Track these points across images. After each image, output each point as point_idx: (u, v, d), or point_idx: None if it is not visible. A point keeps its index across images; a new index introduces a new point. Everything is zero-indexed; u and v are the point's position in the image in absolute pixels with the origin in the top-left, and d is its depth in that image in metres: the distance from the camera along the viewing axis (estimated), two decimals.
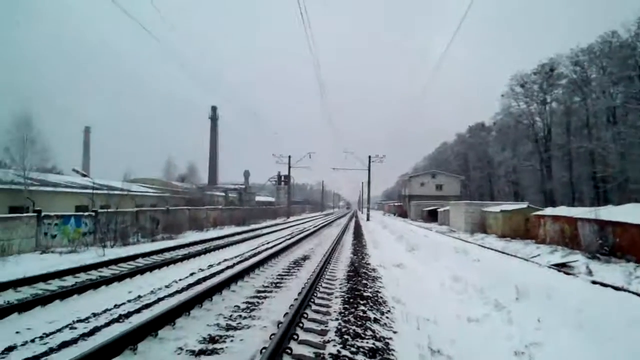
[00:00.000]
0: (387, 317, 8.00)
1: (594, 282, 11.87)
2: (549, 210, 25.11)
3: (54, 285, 9.98)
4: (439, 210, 49.38)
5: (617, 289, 10.80)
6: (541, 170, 53.43)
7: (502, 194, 68.06)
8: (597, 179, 44.20)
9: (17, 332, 6.44)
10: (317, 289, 9.80)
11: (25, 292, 9.14)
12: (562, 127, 50.74)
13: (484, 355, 6.26)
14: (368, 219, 56.93)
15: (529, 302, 9.23)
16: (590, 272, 13.61)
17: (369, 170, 56.94)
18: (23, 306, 7.62)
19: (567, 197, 49.21)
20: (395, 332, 7.10)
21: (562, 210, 22.88)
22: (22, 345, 5.88)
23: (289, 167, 60.04)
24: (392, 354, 5.99)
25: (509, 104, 58.51)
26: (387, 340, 6.54)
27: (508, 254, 18.78)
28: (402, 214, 76.69)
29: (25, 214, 18.14)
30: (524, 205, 30.45)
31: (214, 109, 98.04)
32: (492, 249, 20.97)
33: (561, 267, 14.87)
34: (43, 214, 17.87)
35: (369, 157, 56.45)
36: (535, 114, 55.59)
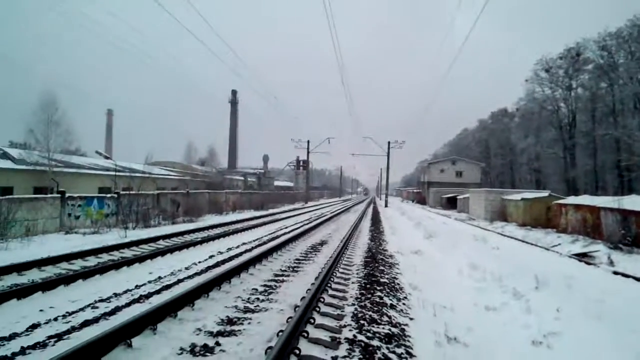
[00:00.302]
0: (403, 304, 8.00)
1: (615, 273, 11.70)
2: (571, 199, 24.69)
3: (77, 265, 10.23)
4: (458, 197, 48.95)
5: (639, 280, 10.62)
6: (564, 157, 52.36)
7: (523, 182, 67.09)
8: (622, 168, 43.23)
9: (40, 310, 6.62)
10: (334, 273, 9.84)
11: (49, 272, 9.38)
12: (587, 114, 49.57)
13: (501, 344, 6.22)
14: (386, 205, 56.73)
15: (548, 291, 9.12)
16: (611, 263, 13.39)
17: (388, 156, 56.51)
18: (47, 285, 7.82)
19: (590, 186, 48.26)
20: (411, 319, 7.10)
21: (585, 199, 22.46)
22: (46, 323, 6.04)
23: (308, 152, 60.02)
24: (408, 340, 6.00)
25: (533, 89, 57.32)
26: (403, 327, 6.56)
27: (528, 243, 18.58)
28: (421, 200, 76.21)
29: (49, 195, 18.59)
30: (545, 193, 30.00)
31: (234, 92, 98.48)
32: (512, 238, 20.76)
33: (582, 256, 14.66)
34: (67, 195, 18.27)
35: (388, 142, 56.01)
36: (560, 100, 54.31)
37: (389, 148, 56.14)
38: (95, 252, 11.67)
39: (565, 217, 22.53)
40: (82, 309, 6.74)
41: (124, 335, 5.17)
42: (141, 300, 7.28)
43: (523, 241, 19.25)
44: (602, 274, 11.79)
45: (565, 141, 52.06)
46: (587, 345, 6.14)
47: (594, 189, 45.88)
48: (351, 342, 5.49)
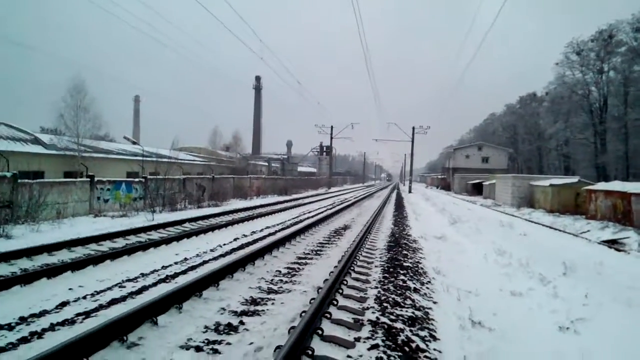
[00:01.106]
0: (427, 288, 7.95)
1: None
2: (601, 185, 24.03)
3: (105, 246, 10.46)
4: (484, 183, 48.19)
5: None
6: (595, 143, 50.93)
7: (552, 168, 65.71)
8: None
9: (70, 289, 6.80)
10: (357, 257, 9.83)
11: (79, 252, 9.63)
12: (619, 98, 47.97)
13: (526, 329, 6.12)
14: (410, 191, 56.33)
15: (576, 277, 8.94)
16: None
17: (412, 141, 55.87)
18: (76, 265, 8.03)
19: (621, 172, 46.97)
20: (435, 303, 7.05)
21: (616, 185, 21.82)
22: (75, 301, 6.21)
23: (331, 138, 59.79)
24: (432, 324, 5.96)
25: (563, 73, 55.70)
26: (426, 310, 6.51)
27: (556, 229, 18.24)
28: (446, 186, 75.38)
29: (79, 179, 18.99)
30: (574, 179, 29.25)
31: (257, 78, 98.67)
32: (539, 224, 20.40)
33: (612, 243, 14.30)
34: (96, 179, 18.66)
35: (413, 128, 55.27)
36: (591, 84, 52.53)
37: (413, 133, 55.46)
38: (123, 234, 11.93)
39: (594, 204, 21.96)
40: (109, 288, 6.90)
41: (150, 313, 5.28)
42: (167, 280, 7.41)
43: (551, 227, 18.90)
44: (633, 261, 11.50)
45: (595, 126, 50.59)
46: (616, 332, 5.99)
47: (625, 176, 44.59)
48: (374, 324, 5.48)
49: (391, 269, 8.80)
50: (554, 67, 56.90)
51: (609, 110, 49.74)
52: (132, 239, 11.56)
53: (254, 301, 6.43)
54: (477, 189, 51.93)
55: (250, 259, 8.91)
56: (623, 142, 46.45)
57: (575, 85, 53.83)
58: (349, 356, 4.57)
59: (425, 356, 4.79)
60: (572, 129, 54.68)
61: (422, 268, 9.61)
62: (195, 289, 6.41)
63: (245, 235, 13.08)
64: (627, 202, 18.53)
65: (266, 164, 62.49)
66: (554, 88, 59.64)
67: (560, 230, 17.82)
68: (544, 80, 77.36)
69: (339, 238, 13.29)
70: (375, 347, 4.77)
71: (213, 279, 7.04)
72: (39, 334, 4.89)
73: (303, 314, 5.28)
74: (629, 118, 44.52)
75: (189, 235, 12.32)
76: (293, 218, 18.54)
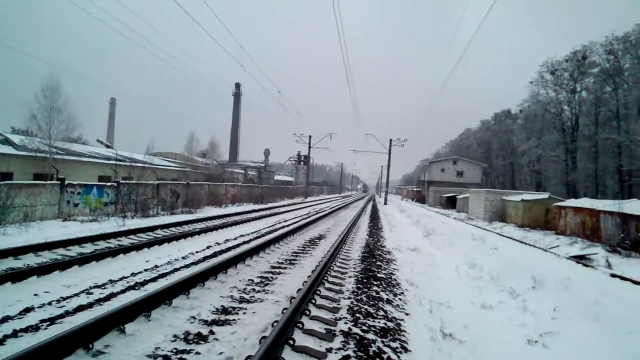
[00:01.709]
0: (399, 299, 7.98)
1: (613, 275, 11.69)
2: (570, 202, 24.65)
3: (74, 251, 10.18)
4: (458, 197, 48.87)
5: (636, 283, 10.61)
6: (566, 160, 52.32)
7: (524, 184, 67.06)
8: (623, 173, 43.18)
9: (35, 295, 6.59)
10: (331, 267, 9.82)
11: (45, 257, 9.34)
12: (591, 118, 49.46)
13: (496, 342, 6.19)
14: (385, 203, 56.66)
15: (545, 291, 9.10)
16: (609, 265, 13.34)
17: (390, 153, 56.34)
18: (42, 270, 7.78)
19: (590, 190, 48.27)
20: (407, 314, 7.08)
21: (585, 202, 22.41)
22: (40, 307, 6.01)
23: (309, 147, 59.89)
24: (404, 335, 5.97)
25: (537, 91, 57.29)
26: (399, 321, 6.53)
27: (526, 244, 18.57)
28: (421, 199, 76.17)
29: (49, 182, 18.50)
30: (545, 195, 29.94)
31: (237, 85, 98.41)
32: (510, 238, 20.75)
33: (580, 258, 14.62)
34: (66, 182, 18.21)
35: (390, 140, 55.77)
36: (564, 103, 54.11)
37: (390, 145, 55.97)
38: (92, 239, 11.63)
39: (564, 220, 22.49)
40: (76, 295, 6.70)
41: (118, 320, 5.14)
42: (136, 288, 7.24)
43: (521, 242, 19.23)
44: (600, 276, 11.77)
45: (567, 144, 51.98)
46: (584, 346, 6.11)
47: (594, 193, 45.84)
48: (346, 334, 5.46)
49: (365, 280, 8.80)
50: (528, 85, 58.46)
51: (580, 129, 51.15)
52: (102, 245, 11.29)
53: (225, 310, 6.34)
54: (451, 203, 52.61)
55: (223, 267, 8.79)
56: (593, 161, 47.78)
57: (548, 103, 55.32)
58: None
59: None
60: (544, 146, 56.07)
61: (395, 279, 9.65)
62: (165, 297, 6.28)
63: (218, 243, 12.91)
64: (596, 219, 19.02)
65: (243, 171, 62.19)
66: (528, 106, 61.21)
67: (530, 245, 18.14)
68: (518, 98, 79.20)
69: (313, 248, 13.26)
70: (346, 358, 4.75)
71: (184, 287, 6.92)
72: (0, 341, 4.71)
73: (275, 324, 5.22)
74: (599, 137, 45.84)
75: (160, 242, 12.09)
76: (268, 227, 18.42)
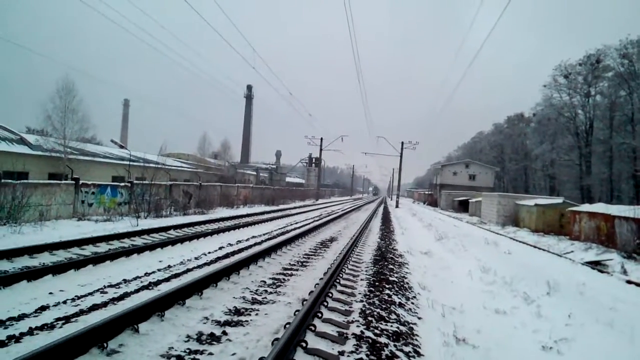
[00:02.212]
0: (412, 303, 7.93)
1: (628, 282, 11.54)
2: (585, 207, 24.32)
3: (88, 250, 10.29)
4: (470, 200, 48.55)
5: None
6: (580, 165, 51.73)
7: (537, 188, 66.45)
8: (638, 177, 42.54)
9: (50, 293, 6.67)
10: (343, 270, 9.80)
11: (60, 256, 9.45)
12: (605, 122, 48.84)
13: (510, 347, 6.13)
14: (397, 206, 56.40)
15: (560, 297, 9.00)
16: (625, 272, 13.16)
17: (401, 156, 56.20)
18: (57, 268, 7.87)
19: (605, 195, 47.63)
20: (420, 318, 7.04)
21: (600, 207, 22.11)
22: (55, 305, 6.07)
23: (321, 150, 59.94)
24: (416, 339, 5.94)
25: (551, 95, 56.81)
26: (411, 325, 6.50)
27: (540, 249, 18.39)
28: (432, 202, 75.76)
29: (63, 181, 18.72)
30: (559, 200, 29.60)
31: (249, 87, 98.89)
32: (524, 243, 20.57)
33: (595, 264, 14.44)
34: (81, 182, 18.41)
35: (402, 143, 55.71)
36: (578, 107, 53.58)
37: (402, 148, 55.84)
38: (106, 238, 11.76)
39: (578, 225, 22.21)
40: (91, 294, 6.77)
41: (131, 320, 5.18)
42: (150, 287, 7.29)
43: (535, 247, 19.04)
44: (615, 282, 11.62)
45: (581, 148, 51.41)
46: (598, 352, 6.03)
47: (609, 198, 45.26)
48: (358, 337, 5.44)
49: (377, 283, 8.77)
50: (541, 89, 57.97)
51: (594, 134, 50.57)
52: (116, 244, 11.40)
53: (237, 311, 6.36)
54: (463, 206, 52.26)
55: (235, 268, 8.82)
56: (607, 166, 47.20)
57: (562, 107, 54.75)
58: None
59: None
60: (558, 150, 55.50)
61: (407, 283, 9.60)
62: (178, 297, 6.32)
63: (230, 245, 12.96)
64: (611, 225, 18.76)
65: (254, 173, 62.41)
66: (541, 109, 60.62)
67: (544, 250, 17.97)
68: (531, 102, 78.57)
69: (325, 250, 13.25)
70: None
71: (197, 288, 6.95)
72: (16, 338, 4.76)
73: (287, 326, 5.21)
74: (614, 142, 45.31)
75: (173, 242, 12.18)
76: (280, 228, 18.45)
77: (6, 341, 4.67)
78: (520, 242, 20.94)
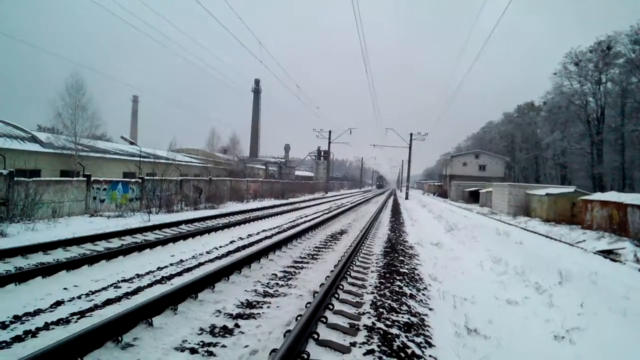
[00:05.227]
0: (423, 294, 7.94)
1: None
2: (597, 195, 24.11)
3: (101, 246, 10.42)
4: (480, 191, 48.27)
5: None
6: (591, 153, 51.15)
7: (548, 178, 65.88)
8: None
9: (64, 289, 6.78)
10: (354, 262, 9.82)
11: (74, 252, 9.58)
12: (617, 109, 48.13)
13: (522, 337, 6.12)
14: (407, 198, 56.23)
15: (572, 286, 8.96)
16: (638, 260, 13.07)
17: (410, 147, 55.91)
18: (71, 264, 7.99)
19: (617, 183, 47.16)
20: (431, 309, 7.05)
21: (612, 196, 21.90)
22: (69, 300, 6.17)
23: (329, 142, 59.83)
24: (428, 330, 5.95)
25: (561, 83, 55.92)
26: (422, 316, 6.51)
27: (552, 238, 18.28)
28: (442, 193, 75.43)
29: (75, 178, 18.91)
30: (571, 189, 29.35)
31: (257, 81, 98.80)
32: (535, 233, 20.45)
33: (607, 253, 14.34)
34: (92, 178, 18.60)
35: (411, 134, 55.38)
36: (589, 94, 52.73)
37: (411, 140, 55.57)
38: (118, 234, 11.88)
39: (590, 214, 22.04)
40: (104, 288, 6.86)
41: (145, 314, 5.25)
42: (163, 282, 7.38)
43: (547, 236, 18.94)
44: (628, 271, 11.54)
45: (592, 136, 50.81)
46: (611, 341, 6.00)
47: (621, 186, 44.79)
48: (370, 329, 5.47)
49: (387, 275, 8.79)
50: (552, 77, 57.17)
51: (606, 121, 49.93)
52: (128, 240, 11.52)
53: (249, 304, 6.41)
54: (473, 197, 52.01)
55: (247, 261, 8.89)
56: (619, 153, 46.64)
57: (572, 95, 54.03)
58: None
59: None
60: (569, 138, 54.91)
61: (418, 274, 9.60)
62: (190, 291, 6.39)
63: (241, 238, 13.04)
64: (623, 213, 18.60)
65: (263, 167, 62.50)
66: (552, 98, 59.86)
67: (556, 240, 17.86)
68: (541, 90, 77.63)
69: (335, 242, 13.28)
70: (370, 352, 4.75)
71: (209, 281, 7.02)
72: (33, 333, 4.85)
73: (299, 318, 5.25)
74: (625, 129, 44.75)
75: (185, 237, 12.28)
76: (290, 222, 18.52)
77: (23, 336, 4.76)
78: (531, 231, 20.82)
